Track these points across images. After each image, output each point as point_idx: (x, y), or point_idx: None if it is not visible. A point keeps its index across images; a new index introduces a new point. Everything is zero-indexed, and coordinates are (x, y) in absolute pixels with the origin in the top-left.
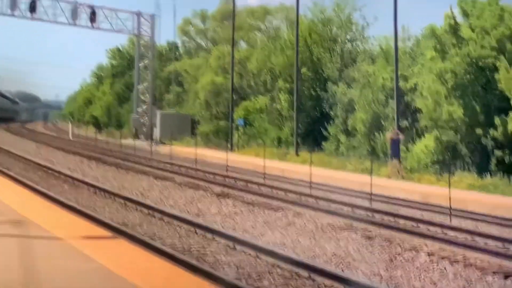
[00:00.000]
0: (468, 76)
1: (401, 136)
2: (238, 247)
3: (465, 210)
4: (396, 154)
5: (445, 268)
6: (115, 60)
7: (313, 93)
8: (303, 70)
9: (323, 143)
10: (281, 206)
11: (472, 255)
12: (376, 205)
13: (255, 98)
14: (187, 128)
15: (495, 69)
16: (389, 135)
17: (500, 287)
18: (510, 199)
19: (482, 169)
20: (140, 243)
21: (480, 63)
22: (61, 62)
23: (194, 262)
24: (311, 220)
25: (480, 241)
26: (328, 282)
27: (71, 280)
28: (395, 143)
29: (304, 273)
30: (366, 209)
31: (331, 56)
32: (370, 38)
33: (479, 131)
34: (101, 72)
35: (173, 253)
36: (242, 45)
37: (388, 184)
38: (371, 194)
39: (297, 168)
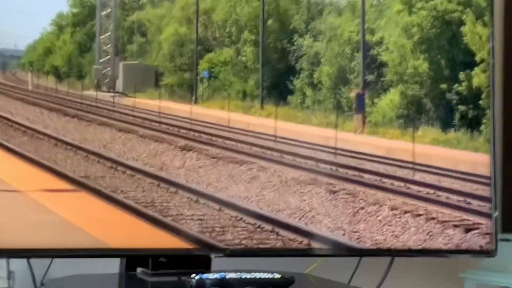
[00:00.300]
0: (434, 30)
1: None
2: (201, 200)
3: (428, 165)
4: (361, 108)
5: (407, 222)
6: (76, 8)
7: (279, 45)
8: (269, 21)
9: (289, 96)
10: (245, 160)
11: (434, 208)
12: (341, 159)
13: (220, 50)
14: (151, 79)
15: (461, 23)
16: (354, 92)
17: (460, 240)
18: (472, 154)
19: (446, 124)
20: (103, 196)
21: (447, 17)
22: (18, 9)
23: (156, 215)
24: (275, 174)
25: (442, 195)
26: (291, 235)
27: (31, 233)
28: (360, 97)
29: (268, 226)
30: (331, 163)
31: (298, 8)
32: None
33: (444, 86)
34: (62, 21)
35: (136, 206)
36: None
37: (352, 138)
38: (335, 148)
39: (262, 121)
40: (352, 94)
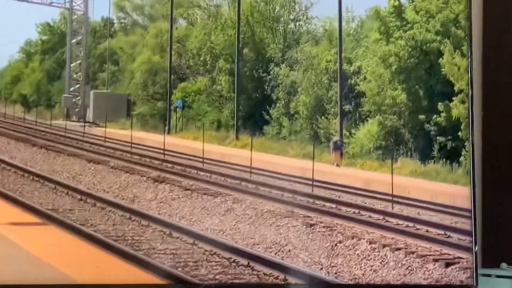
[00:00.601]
0: (412, 60)
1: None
2: (174, 234)
3: (407, 197)
4: (338, 147)
5: (386, 256)
6: (45, 35)
7: (255, 74)
8: (245, 50)
9: (265, 126)
10: (220, 192)
11: (414, 242)
12: (318, 191)
13: (194, 79)
14: (123, 109)
15: (439, 53)
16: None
17: (441, 274)
18: (451, 186)
19: (425, 155)
20: (71, 229)
21: (425, 47)
22: None
23: (128, 249)
24: (250, 207)
25: (422, 228)
26: (267, 270)
27: None
28: (336, 144)
29: (243, 261)
30: (308, 195)
31: (274, 37)
32: (314, 19)
33: (422, 116)
34: (30, 48)
35: (106, 240)
36: (182, 23)
37: (330, 170)
38: (312, 180)
39: (237, 152)
40: (330, 144)
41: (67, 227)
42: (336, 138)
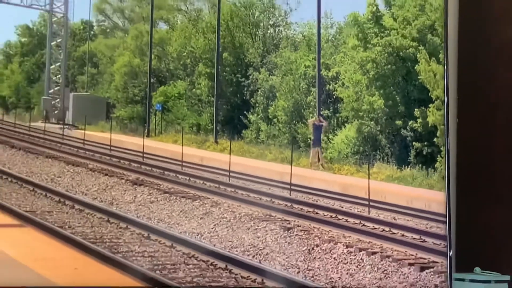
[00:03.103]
0: (389, 66)
1: (324, 123)
2: (153, 236)
3: (383, 202)
4: (317, 141)
5: (362, 260)
6: (25, 37)
7: (234, 79)
8: (225, 55)
9: (243, 131)
10: (198, 195)
11: (389, 246)
12: (295, 195)
13: (174, 83)
14: (102, 111)
15: (416, 60)
16: (311, 121)
17: (416, 278)
18: (427, 191)
19: (401, 160)
20: (49, 231)
21: (401, 53)
22: None
23: (106, 251)
24: (229, 210)
25: (398, 233)
26: (245, 273)
27: None
28: (318, 129)
29: (221, 264)
30: (285, 199)
31: (253, 42)
32: (293, 24)
33: (399, 122)
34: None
35: (84, 243)
36: (162, 26)
37: (308, 174)
38: (290, 184)
39: (216, 156)
40: (309, 126)
41: (45, 229)
42: (314, 120)
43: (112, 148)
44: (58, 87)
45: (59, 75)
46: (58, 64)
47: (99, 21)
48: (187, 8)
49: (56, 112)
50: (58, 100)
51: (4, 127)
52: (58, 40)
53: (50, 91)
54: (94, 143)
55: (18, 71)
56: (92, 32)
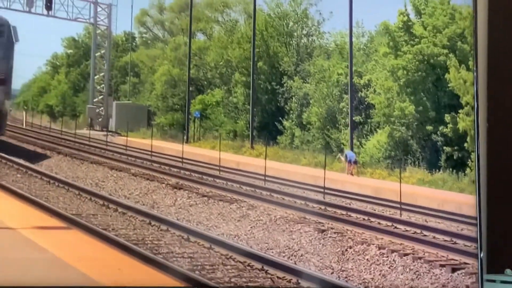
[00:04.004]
0: (419, 73)
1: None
2: (192, 238)
3: (414, 205)
4: (352, 157)
5: (394, 261)
6: (70, 49)
7: (269, 87)
8: (260, 63)
9: (278, 136)
10: (235, 199)
11: (421, 248)
12: (329, 199)
13: (211, 91)
14: (143, 119)
15: (446, 67)
16: (343, 158)
17: (447, 279)
18: (457, 195)
19: (432, 164)
20: (94, 233)
21: (432, 61)
22: (15, 50)
23: (147, 252)
24: (265, 213)
25: (429, 235)
26: (280, 274)
27: (23, 271)
28: (350, 158)
29: (257, 265)
30: (319, 202)
31: (287, 51)
32: (326, 33)
33: (429, 127)
34: (56, 61)
35: (127, 244)
36: (200, 37)
37: (341, 178)
38: (324, 187)
39: (252, 161)
40: (342, 157)
41: (90, 231)
42: (348, 151)
43: (153, 153)
44: (102, 96)
45: (103, 85)
46: (102, 74)
47: (141, 33)
48: (224, 19)
49: (100, 119)
50: (101, 108)
51: (52, 134)
52: (102, 51)
53: (95, 100)
54: (136, 149)
55: (65, 81)
56: (134, 43)
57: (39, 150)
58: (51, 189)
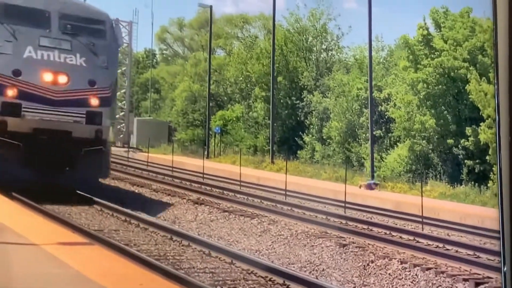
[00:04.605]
0: (440, 86)
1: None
2: (213, 253)
3: (436, 219)
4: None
5: (417, 275)
6: None
7: (289, 101)
8: (279, 78)
9: (298, 151)
10: (256, 214)
11: (443, 262)
12: (350, 213)
13: (231, 106)
14: (164, 135)
15: (467, 80)
16: (363, 184)
17: None
18: (480, 208)
19: (453, 178)
20: (116, 249)
21: (452, 74)
22: None
23: (169, 268)
24: (286, 228)
25: (452, 249)
26: None
27: (45, 285)
28: (370, 187)
29: (279, 279)
30: (340, 217)
31: (307, 65)
32: (345, 48)
33: (450, 140)
34: None
35: (149, 259)
36: (220, 53)
37: (361, 192)
38: (345, 202)
39: (272, 176)
40: (363, 187)
41: (112, 246)
42: (370, 180)
43: (174, 169)
44: (123, 112)
45: (124, 101)
46: (123, 91)
47: (161, 50)
48: (243, 35)
49: (121, 136)
50: (123, 124)
51: None
52: (123, 68)
53: (116, 116)
54: (157, 165)
55: None
56: (154, 60)
57: None
58: (73, 204)
